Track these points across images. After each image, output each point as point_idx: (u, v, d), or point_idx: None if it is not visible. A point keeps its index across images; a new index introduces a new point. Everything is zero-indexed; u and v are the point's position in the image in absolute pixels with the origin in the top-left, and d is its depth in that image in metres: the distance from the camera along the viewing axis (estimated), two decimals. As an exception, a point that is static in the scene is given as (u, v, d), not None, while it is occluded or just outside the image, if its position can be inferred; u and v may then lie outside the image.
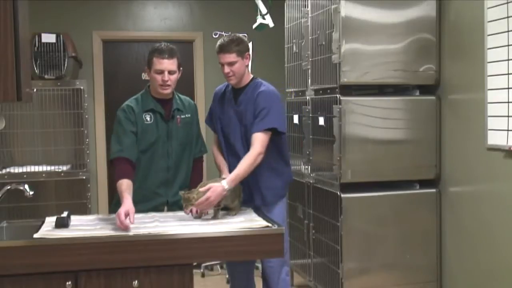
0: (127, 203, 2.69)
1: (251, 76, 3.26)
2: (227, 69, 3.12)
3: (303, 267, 4.37)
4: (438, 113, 3.87)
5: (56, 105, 4.78)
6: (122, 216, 2.56)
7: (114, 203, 3.15)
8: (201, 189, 2.85)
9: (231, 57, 3.10)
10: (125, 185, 2.84)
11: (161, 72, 2.99)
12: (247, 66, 3.21)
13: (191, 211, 2.96)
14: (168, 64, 3.00)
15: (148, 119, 3.06)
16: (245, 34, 4.87)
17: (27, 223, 3.00)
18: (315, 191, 4.07)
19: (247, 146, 3.14)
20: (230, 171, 3.07)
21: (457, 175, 3.76)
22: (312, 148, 4.13)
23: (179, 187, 3.11)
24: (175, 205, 3.11)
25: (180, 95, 3.22)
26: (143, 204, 3.02)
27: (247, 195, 3.15)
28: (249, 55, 3.20)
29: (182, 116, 3.15)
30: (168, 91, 3.05)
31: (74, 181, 4.79)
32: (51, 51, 4.68)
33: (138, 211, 2.84)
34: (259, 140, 3.07)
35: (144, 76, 5.61)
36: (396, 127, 3.79)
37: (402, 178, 3.85)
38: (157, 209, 3.06)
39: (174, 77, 3.04)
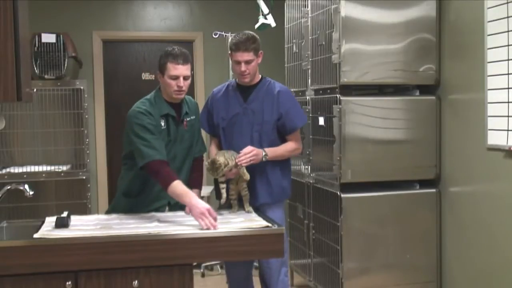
0: (200, 201, 2.70)
1: (260, 74, 3.24)
2: (244, 67, 3.07)
3: (303, 267, 4.37)
4: (438, 113, 3.87)
5: (56, 105, 4.78)
6: (211, 219, 2.62)
7: (112, 206, 3.13)
8: (227, 154, 2.95)
9: (250, 55, 3.06)
10: (181, 186, 2.77)
11: (176, 77, 2.92)
12: (258, 64, 3.18)
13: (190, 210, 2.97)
14: (183, 69, 2.94)
15: (163, 124, 2.98)
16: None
17: (27, 223, 2.99)
18: (315, 191, 4.07)
19: (258, 144, 3.12)
20: None
21: (457, 175, 3.76)
22: (312, 148, 4.13)
23: None
24: (176, 207, 3.08)
25: (186, 96, 3.16)
26: (145, 206, 3.02)
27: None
28: (261, 53, 3.17)
29: (188, 119, 3.09)
30: (182, 96, 3.01)
31: (74, 181, 4.80)
32: (51, 51, 4.69)
33: (139, 213, 2.85)
34: (297, 138, 3.24)
35: (144, 76, 5.62)
36: (396, 127, 3.79)
37: (402, 178, 3.85)
38: (159, 210, 3.04)
39: (188, 82, 2.99)
